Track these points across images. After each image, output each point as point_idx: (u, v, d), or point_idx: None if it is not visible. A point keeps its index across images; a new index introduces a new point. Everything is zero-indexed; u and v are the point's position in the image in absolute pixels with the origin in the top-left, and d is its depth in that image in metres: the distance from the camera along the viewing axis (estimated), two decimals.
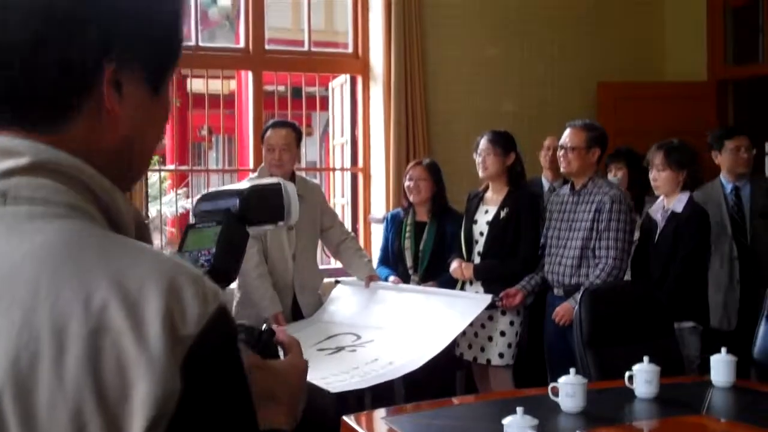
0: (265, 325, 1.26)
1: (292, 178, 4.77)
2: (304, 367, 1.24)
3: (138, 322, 0.78)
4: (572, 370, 3.12)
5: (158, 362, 0.77)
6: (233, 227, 1.23)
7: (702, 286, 4.67)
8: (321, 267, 5.45)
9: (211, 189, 1.33)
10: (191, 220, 1.31)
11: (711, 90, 6.77)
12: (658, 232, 4.71)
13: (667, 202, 4.74)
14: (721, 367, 3.43)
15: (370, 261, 5.22)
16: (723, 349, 3.46)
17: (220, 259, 1.19)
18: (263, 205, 1.29)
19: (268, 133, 4.78)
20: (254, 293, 4.65)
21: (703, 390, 3.36)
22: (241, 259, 1.26)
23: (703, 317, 4.62)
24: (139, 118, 0.98)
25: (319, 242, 5.15)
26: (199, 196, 1.34)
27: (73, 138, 0.93)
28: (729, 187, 5.34)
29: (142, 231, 0.98)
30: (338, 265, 5.34)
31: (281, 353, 1.25)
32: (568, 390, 3.07)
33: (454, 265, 4.86)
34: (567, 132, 4.73)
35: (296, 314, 4.81)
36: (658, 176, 4.74)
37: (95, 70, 0.92)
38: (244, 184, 1.30)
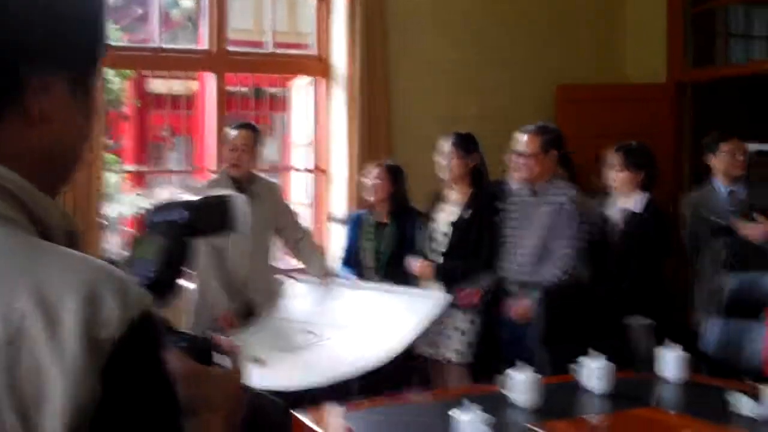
0: (207, 332, 1.27)
1: (250, 178, 4.78)
2: (243, 375, 1.24)
3: (55, 330, 0.78)
4: (526, 366, 3.15)
5: (74, 369, 0.77)
6: (178, 239, 1.25)
7: (657, 284, 4.72)
8: (278, 266, 5.44)
9: (163, 199, 1.34)
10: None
11: (670, 92, 6.84)
12: (617, 232, 4.75)
13: (626, 202, 4.79)
14: (671, 362, 3.48)
15: (326, 259, 5.22)
16: (674, 345, 3.51)
17: (163, 271, 1.21)
18: (211, 218, 1.31)
19: (228, 133, 4.80)
20: (206, 293, 4.65)
21: (653, 384, 3.41)
22: (186, 270, 1.26)
23: (657, 313, 4.66)
24: (64, 121, 0.97)
25: (276, 241, 5.15)
26: (150, 207, 1.35)
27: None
28: (725, 190, 5.25)
29: (72, 238, 0.98)
30: (296, 263, 5.33)
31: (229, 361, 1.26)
32: (522, 386, 3.10)
33: (414, 262, 4.88)
34: (522, 139, 4.74)
35: (250, 314, 4.78)
36: (617, 177, 4.81)
37: (17, 77, 0.92)
38: (193, 196, 1.31)
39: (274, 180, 5.40)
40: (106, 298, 0.81)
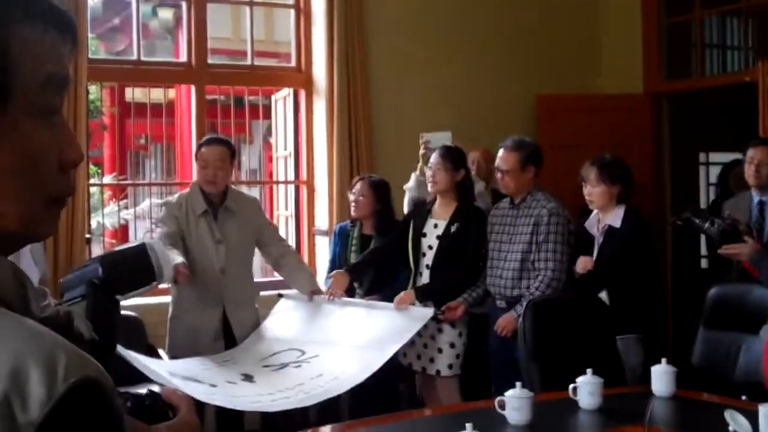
0: (147, 389, 1.25)
1: (225, 192, 4.77)
2: (195, 425, 1.20)
3: None
4: (518, 384, 3.16)
5: None
6: (99, 299, 1.24)
7: (647, 297, 4.70)
8: (264, 280, 5.40)
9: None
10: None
11: (647, 103, 6.90)
12: (598, 247, 4.73)
13: (603, 216, 4.77)
14: (661, 377, 3.49)
15: (312, 275, 5.19)
16: (663, 360, 3.53)
17: (93, 334, 1.20)
18: (128, 271, 1.30)
19: (202, 149, 4.75)
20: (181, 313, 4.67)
21: (645, 400, 3.42)
22: (116, 325, 1.26)
23: (647, 327, 4.66)
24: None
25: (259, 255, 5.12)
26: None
27: None
28: (756, 199, 4.92)
29: (25, 292, 0.92)
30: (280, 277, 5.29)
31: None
32: (515, 403, 3.11)
33: (397, 298, 4.77)
34: (500, 154, 4.78)
35: (227, 329, 4.73)
36: (593, 191, 4.76)
37: None
38: (107, 252, 1.32)
39: (250, 194, 5.37)
40: (31, 375, 0.75)
